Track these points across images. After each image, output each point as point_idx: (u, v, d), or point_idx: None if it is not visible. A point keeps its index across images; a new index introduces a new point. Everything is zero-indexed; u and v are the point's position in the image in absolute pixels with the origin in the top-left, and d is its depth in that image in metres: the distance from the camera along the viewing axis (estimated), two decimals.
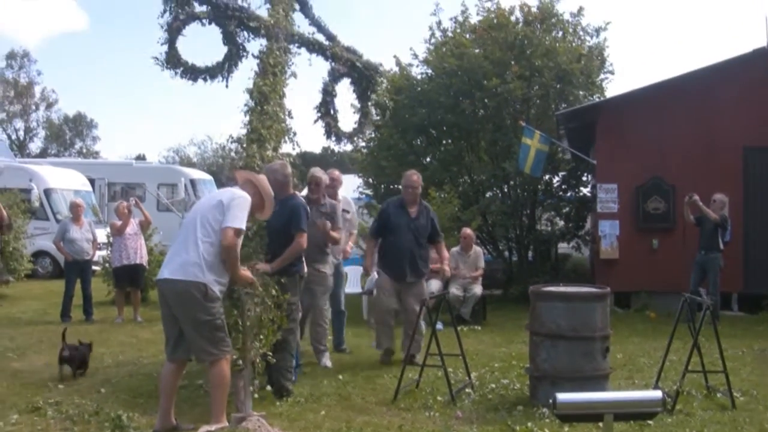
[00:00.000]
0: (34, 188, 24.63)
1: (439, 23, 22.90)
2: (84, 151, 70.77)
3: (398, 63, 22.94)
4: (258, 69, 11.61)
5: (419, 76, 22.62)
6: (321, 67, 13.70)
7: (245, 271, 7.25)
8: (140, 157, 56.65)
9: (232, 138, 10.58)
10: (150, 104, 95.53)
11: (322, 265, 10.42)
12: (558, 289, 8.62)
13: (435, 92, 21.15)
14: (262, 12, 12.66)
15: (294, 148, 11.21)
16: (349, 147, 14.42)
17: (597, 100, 20.33)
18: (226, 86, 12.84)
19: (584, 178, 22.00)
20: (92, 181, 29.07)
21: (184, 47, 12.31)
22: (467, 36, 22.17)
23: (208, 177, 34.97)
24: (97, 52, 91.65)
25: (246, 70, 12.44)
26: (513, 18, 22.12)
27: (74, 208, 16.05)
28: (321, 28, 14.04)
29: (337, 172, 11.91)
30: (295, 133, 10.97)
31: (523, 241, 21.65)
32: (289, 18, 12.84)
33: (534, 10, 22.04)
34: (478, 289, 15.60)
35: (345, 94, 14.17)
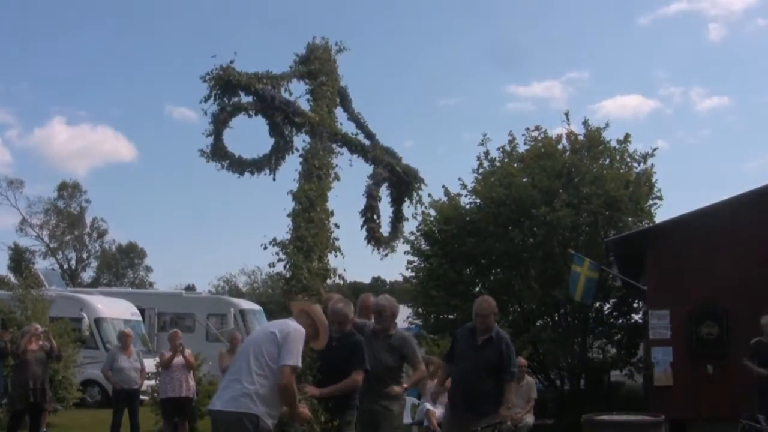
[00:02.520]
0: (84, 317, 24.83)
1: (486, 153, 23.12)
2: (136, 281, 71.46)
3: (447, 193, 23.08)
4: (302, 170, 11.61)
5: (468, 206, 22.73)
6: (359, 169, 13.64)
7: (303, 409, 7.17)
8: (190, 288, 56.97)
9: (275, 241, 10.54)
10: (199, 234, 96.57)
11: (390, 401, 9.28)
12: (612, 418, 8.44)
13: (484, 221, 21.23)
14: (305, 103, 12.71)
15: (336, 255, 11.11)
16: (385, 253, 14.08)
17: (646, 226, 20.23)
18: (273, 179, 12.73)
19: (635, 305, 21.80)
20: (142, 311, 29.23)
21: (229, 139, 12.29)
22: (515, 165, 22.33)
23: (257, 307, 34.99)
24: (146, 182, 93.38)
25: (292, 164, 12.38)
26: (560, 146, 22.33)
27: (123, 338, 16.10)
28: (360, 125, 14.05)
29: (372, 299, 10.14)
30: (339, 250, 10.92)
31: (574, 369, 21.37)
32: (332, 115, 12.88)
33: (581, 138, 22.24)
34: (530, 419, 15.31)
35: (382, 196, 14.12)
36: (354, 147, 13.30)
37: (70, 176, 76.05)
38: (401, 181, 13.93)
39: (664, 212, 22.10)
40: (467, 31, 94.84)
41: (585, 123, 22.74)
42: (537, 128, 22.86)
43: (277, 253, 10.98)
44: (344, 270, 11.65)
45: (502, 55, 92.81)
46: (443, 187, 23.12)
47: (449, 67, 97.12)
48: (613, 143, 22.33)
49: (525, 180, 21.38)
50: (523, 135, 22.94)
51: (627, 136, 22.42)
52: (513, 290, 21.54)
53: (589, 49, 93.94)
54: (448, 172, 76.85)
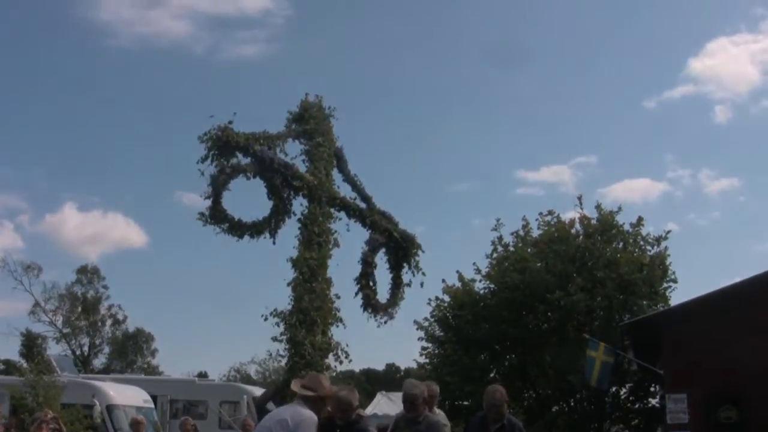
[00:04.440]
0: (96, 404, 24.57)
1: (500, 238, 23.17)
2: (145, 366, 71.03)
3: (461, 278, 23.09)
4: (302, 237, 11.46)
5: (482, 291, 22.74)
6: (357, 233, 13.48)
7: None
8: (202, 375, 56.61)
9: (276, 311, 10.39)
10: (211, 320, 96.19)
11: None
12: None
13: (498, 307, 21.24)
14: (301, 164, 12.58)
15: (338, 326, 10.92)
16: (384, 320, 13.65)
17: (661, 309, 20.13)
18: (273, 243, 12.55)
19: (652, 389, 21.58)
20: (154, 398, 28.94)
21: (227, 202, 12.09)
22: (529, 250, 22.36)
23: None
24: (157, 269, 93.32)
25: (291, 228, 12.25)
26: (573, 230, 22.34)
27: (135, 425, 15.97)
28: (356, 187, 13.87)
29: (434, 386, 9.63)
30: (341, 321, 10.74)
31: None
32: (330, 177, 12.75)
33: (594, 222, 22.24)
34: None
35: (379, 262, 13.92)
36: (352, 211, 13.19)
37: (81, 262, 75.89)
38: (399, 246, 13.79)
39: (678, 295, 21.99)
40: (474, 117, 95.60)
41: (598, 207, 22.78)
42: (550, 213, 22.98)
43: (278, 324, 10.88)
44: (347, 345, 11.48)
45: (510, 139, 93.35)
46: (457, 272, 23.18)
47: (458, 153, 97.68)
48: (626, 227, 22.34)
49: (539, 264, 21.40)
50: (536, 220, 23.05)
51: (640, 219, 22.47)
52: (528, 376, 21.40)
53: (596, 134, 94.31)
54: (458, 257, 76.34)
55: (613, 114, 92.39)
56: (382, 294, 13.75)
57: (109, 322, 69.81)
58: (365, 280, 13.14)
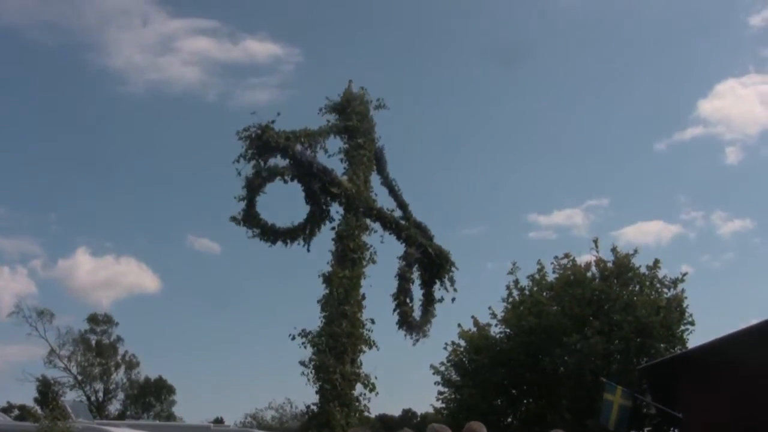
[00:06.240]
0: None
1: (516, 282, 23.14)
2: (162, 413, 70.68)
3: (476, 323, 23.07)
4: (336, 251, 11.29)
5: (498, 336, 22.69)
6: (390, 245, 13.20)
7: None
8: (218, 421, 56.28)
9: (304, 332, 10.25)
10: (226, 366, 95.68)
11: None
12: None
13: (514, 351, 21.18)
14: (338, 160, 12.39)
15: (370, 348, 10.69)
16: (418, 338, 13.28)
17: (678, 351, 20.03)
18: (308, 250, 12.32)
19: None
20: None
21: (260, 206, 11.88)
22: (545, 294, 22.31)
23: None
24: (171, 314, 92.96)
25: (325, 235, 12.02)
26: (589, 274, 22.27)
27: None
28: (393, 192, 13.62)
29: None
30: (375, 344, 10.54)
31: None
32: (368, 185, 12.53)
33: (610, 265, 22.18)
34: None
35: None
36: (388, 223, 12.95)
37: (94, 307, 75.80)
38: (433, 262, 13.56)
39: (697, 337, 21.85)
40: (484, 161, 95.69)
41: (614, 250, 22.73)
42: (566, 256, 22.92)
43: (305, 345, 10.72)
44: (376, 378, 11.27)
45: (522, 182, 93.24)
46: (472, 317, 23.18)
47: (469, 197, 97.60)
48: (643, 269, 22.27)
49: (555, 308, 21.35)
50: (551, 263, 23.00)
51: (656, 261, 22.42)
52: (545, 420, 21.23)
53: (608, 177, 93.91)
54: (471, 302, 75.62)
55: (624, 156, 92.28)
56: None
57: (123, 368, 69.61)
58: (402, 296, 12.88)
